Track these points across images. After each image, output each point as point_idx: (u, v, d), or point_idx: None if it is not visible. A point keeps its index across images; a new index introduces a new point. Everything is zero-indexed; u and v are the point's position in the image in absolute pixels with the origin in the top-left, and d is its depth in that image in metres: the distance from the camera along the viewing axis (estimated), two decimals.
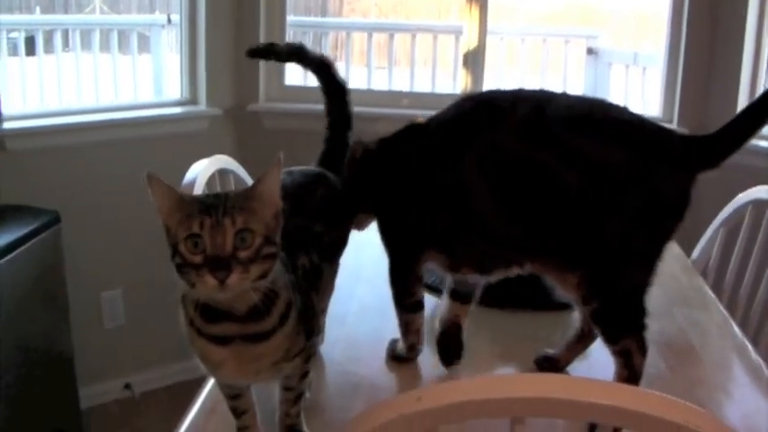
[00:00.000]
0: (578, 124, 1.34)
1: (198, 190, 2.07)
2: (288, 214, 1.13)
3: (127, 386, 3.44)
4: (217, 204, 1.06)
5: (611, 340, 1.40)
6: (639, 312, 1.39)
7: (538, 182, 1.34)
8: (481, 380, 0.93)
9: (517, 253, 1.44)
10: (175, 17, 3.60)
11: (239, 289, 1.06)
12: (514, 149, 1.36)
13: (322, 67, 1.66)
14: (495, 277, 1.51)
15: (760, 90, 3.37)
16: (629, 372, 1.38)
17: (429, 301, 1.67)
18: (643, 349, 1.38)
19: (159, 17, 3.91)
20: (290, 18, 3.66)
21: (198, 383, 1.49)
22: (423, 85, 5.12)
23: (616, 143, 1.32)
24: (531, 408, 0.85)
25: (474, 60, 3.60)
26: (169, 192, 1.07)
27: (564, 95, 1.43)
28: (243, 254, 1.05)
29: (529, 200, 1.35)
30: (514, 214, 1.37)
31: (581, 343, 1.60)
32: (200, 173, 2.13)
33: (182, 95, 3.60)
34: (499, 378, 1.02)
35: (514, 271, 1.48)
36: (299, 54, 1.68)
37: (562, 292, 1.43)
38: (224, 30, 3.54)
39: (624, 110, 1.40)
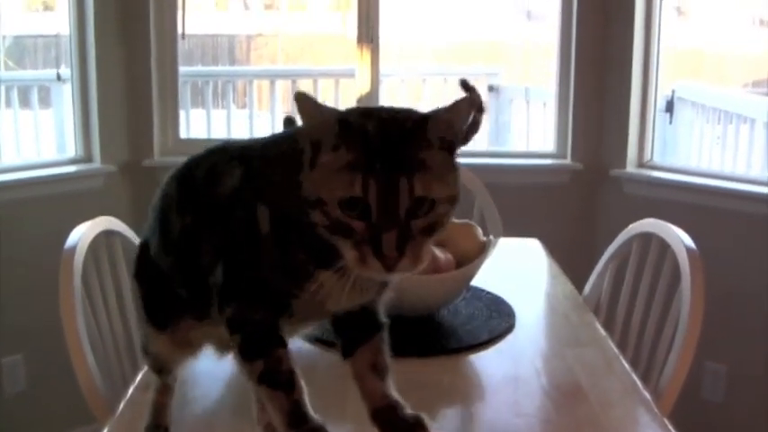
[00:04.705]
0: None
1: (80, 256, 2.02)
2: None
3: None
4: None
5: None
6: None
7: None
8: None
9: None
10: (67, 72, 3.54)
11: None
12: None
13: None
14: None
15: (649, 123, 3.47)
16: None
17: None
18: None
19: (50, 72, 3.84)
20: (182, 69, 3.63)
21: None
22: None
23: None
24: None
25: (368, 104, 3.61)
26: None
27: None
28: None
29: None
30: None
31: None
32: (81, 237, 2.07)
33: (76, 153, 3.52)
34: None
35: None
36: None
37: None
38: (116, 83, 3.49)
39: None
